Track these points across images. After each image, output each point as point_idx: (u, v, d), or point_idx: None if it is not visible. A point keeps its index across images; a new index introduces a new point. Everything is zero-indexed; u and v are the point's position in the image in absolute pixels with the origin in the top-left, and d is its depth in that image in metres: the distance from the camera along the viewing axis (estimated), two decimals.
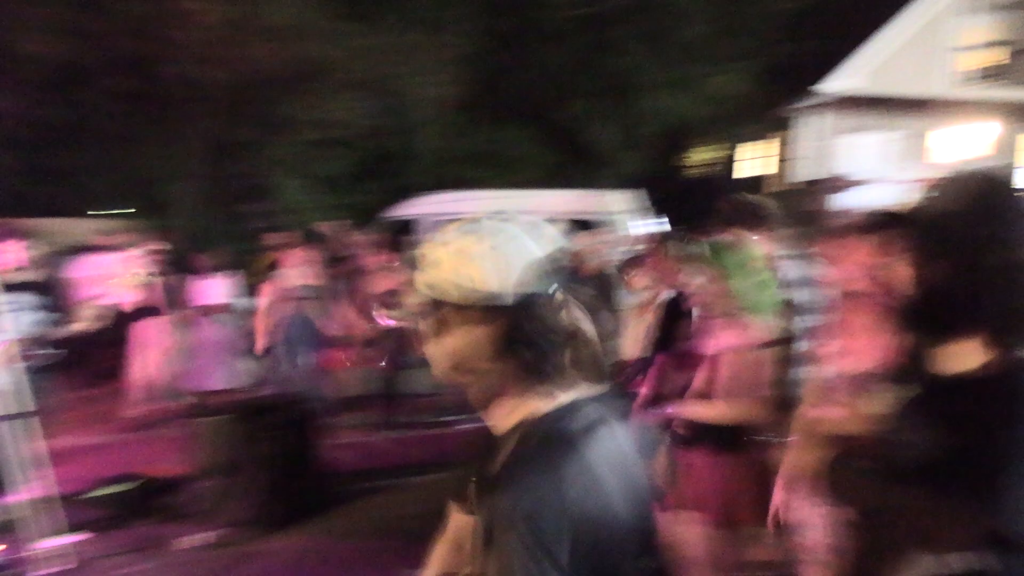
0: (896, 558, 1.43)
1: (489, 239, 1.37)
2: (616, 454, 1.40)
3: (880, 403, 1.74)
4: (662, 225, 11.91)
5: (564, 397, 1.40)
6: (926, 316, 1.54)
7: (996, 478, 1.34)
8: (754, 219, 4.01)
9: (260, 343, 7.79)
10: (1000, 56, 18.74)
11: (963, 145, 18.97)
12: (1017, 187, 1.58)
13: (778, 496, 3.03)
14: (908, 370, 1.69)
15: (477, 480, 1.43)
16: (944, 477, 1.40)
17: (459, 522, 1.61)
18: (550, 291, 1.37)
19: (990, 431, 1.37)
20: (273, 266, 8.56)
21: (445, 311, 1.39)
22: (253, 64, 11.69)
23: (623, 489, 1.38)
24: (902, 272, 1.57)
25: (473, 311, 1.35)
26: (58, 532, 4.67)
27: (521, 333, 1.34)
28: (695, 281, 3.36)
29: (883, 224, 2.80)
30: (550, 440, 1.33)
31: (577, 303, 1.43)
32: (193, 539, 4.86)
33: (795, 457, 2.93)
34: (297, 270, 7.48)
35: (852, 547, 1.71)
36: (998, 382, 1.43)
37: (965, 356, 1.49)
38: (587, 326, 1.43)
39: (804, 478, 2.83)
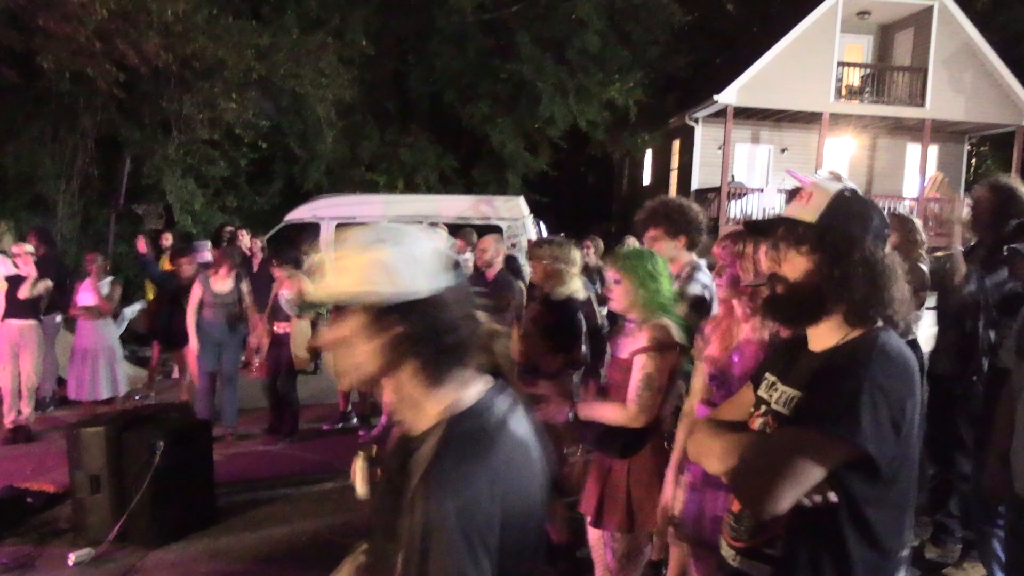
0: (765, 493, 1.72)
1: (393, 242, 1.38)
2: (526, 443, 1.45)
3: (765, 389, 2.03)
4: (544, 229, 12.15)
5: (478, 387, 1.44)
6: (796, 305, 1.90)
7: (854, 408, 1.69)
8: (675, 223, 3.96)
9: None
10: (880, 73, 19.76)
11: (851, 155, 19.93)
12: (873, 201, 2.03)
13: (667, 491, 3.09)
14: (783, 353, 2.07)
15: (401, 481, 1.40)
16: (813, 416, 1.77)
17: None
18: (456, 282, 1.41)
19: (849, 375, 1.75)
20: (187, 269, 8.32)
21: (356, 318, 1.38)
22: (142, 59, 11.26)
23: (535, 477, 1.43)
24: (780, 268, 1.92)
25: (385, 313, 1.35)
26: None
27: (438, 324, 1.36)
28: (609, 283, 3.36)
29: (764, 229, 2.92)
30: (475, 435, 1.36)
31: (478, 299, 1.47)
32: (71, 557, 4.66)
33: (678, 452, 3.05)
34: (213, 275, 7.24)
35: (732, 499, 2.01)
36: (857, 343, 1.84)
37: (829, 334, 1.89)
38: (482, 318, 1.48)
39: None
